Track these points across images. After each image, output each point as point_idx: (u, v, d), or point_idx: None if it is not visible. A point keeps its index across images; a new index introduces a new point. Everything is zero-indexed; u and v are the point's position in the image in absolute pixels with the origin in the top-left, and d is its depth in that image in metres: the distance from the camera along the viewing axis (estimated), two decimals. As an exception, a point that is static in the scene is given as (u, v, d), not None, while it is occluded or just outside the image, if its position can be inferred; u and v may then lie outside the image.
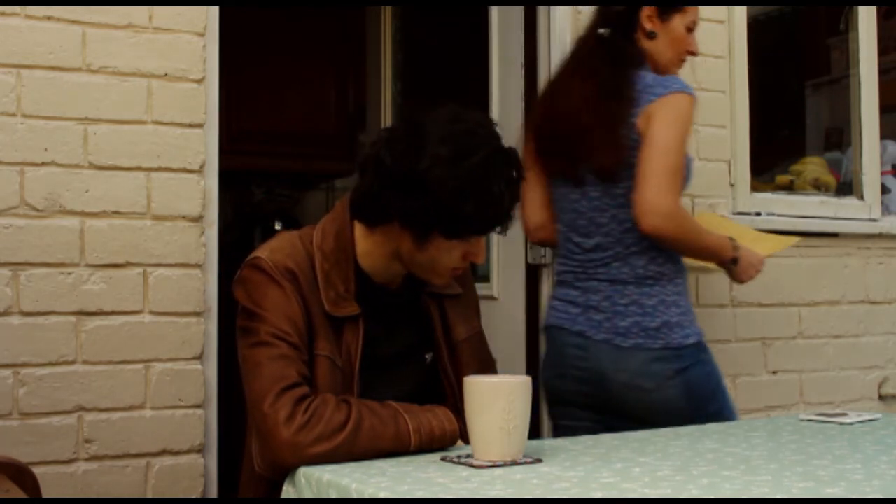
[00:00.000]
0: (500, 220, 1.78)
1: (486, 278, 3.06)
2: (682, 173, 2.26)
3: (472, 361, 1.94)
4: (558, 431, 2.38)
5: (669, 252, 2.30)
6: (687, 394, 2.25)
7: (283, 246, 1.80)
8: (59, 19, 2.28)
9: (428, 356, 1.93)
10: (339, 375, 1.76)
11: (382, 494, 1.39)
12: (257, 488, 1.79)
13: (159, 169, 2.37)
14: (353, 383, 1.78)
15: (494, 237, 3.07)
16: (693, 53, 2.47)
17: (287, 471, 1.64)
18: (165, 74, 2.38)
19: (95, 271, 2.29)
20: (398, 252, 1.81)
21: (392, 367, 1.88)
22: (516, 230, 2.96)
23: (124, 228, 2.32)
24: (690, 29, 2.42)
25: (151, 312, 2.34)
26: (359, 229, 1.84)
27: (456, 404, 1.77)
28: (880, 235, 3.48)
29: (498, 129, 1.81)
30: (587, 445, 1.72)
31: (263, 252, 1.79)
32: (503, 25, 3.10)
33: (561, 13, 2.94)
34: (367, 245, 1.83)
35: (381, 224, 1.80)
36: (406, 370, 1.90)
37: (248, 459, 1.82)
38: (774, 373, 3.21)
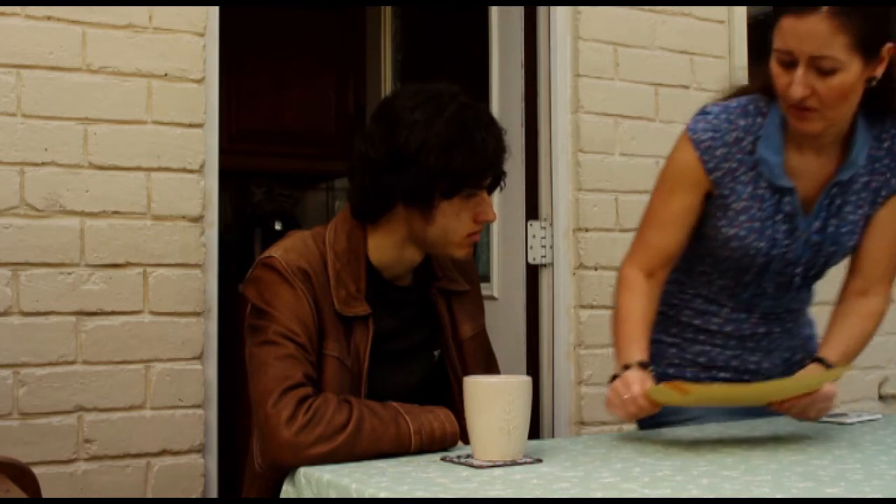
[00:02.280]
0: (490, 166, 1.80)
1: (486, 278, 3.06)
2: (643, 232, 2.00)
3: (479, 358, 1.97)
4: None
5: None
6: None
7: (296, 246, 1.81)
8: (59, 19, 2.28)
9: (436, 353, 1.94)
10: (348, 375, 1.77)
11: (382, 494, 1.39)
12: (261, 487, 1.79)
13: (159, 169, 2.37)
14: (361, 383, 1.79)
15: (496, 238, 3.07)
16: (800, 102, 1.79)
17: (287, 470, 1.64)
18: (165, 74, 2.38)
19: (95, 271, 2.29)
20: (411, 235, 1.83)
21: (400, 362, 1.89)
22: (516, 229, 2.98)
23: (124, 228, 2.33)
24: (783, 62, 1.79)
25: (151, 312, 2.34)
26: (371, 227, 1.86)
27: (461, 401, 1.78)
28: (880, 235, 3.47)
29: (459, 88, 1.84)
30: (587, 445, 1.72)
31: (276, 251, 1.79)
32: (503, 25, 3.10)
33: (561, 13, 2.94)
34: (377, 239, 1.85)
35: (386, 214, 1.82)
36: (414, 366, 1.91)
37: (252, 458, 1.83)
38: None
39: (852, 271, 2.02)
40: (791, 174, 1.90)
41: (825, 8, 1.70)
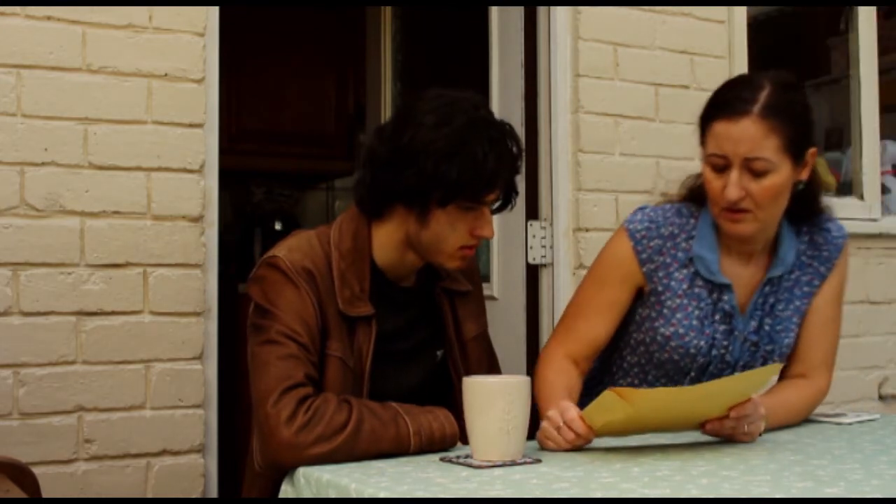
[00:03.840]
0: (487, 183, 1.77)
1: (486, 278, 3.06)
2: (571, 321, 2.01)
3: (482, 359, 1.98)
4: None
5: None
6: None
7: (300, 245, 1.81)
8: (59, 19, 2.28)
9: (439, 353, 1.94)
10: (350, 375, 1.78)
11: (382, 494, 1.39)
12: (261, 487, 1.80)
13: (159, 169, 2.37)
14: (363, 383, 1.80)
15: (496, 238, 3.07)
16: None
17: (286, 470, 1.64)
18: (165, 74, 2.38)
19: (95, 271, 2.29)
20: (408, 237, 1.83)
21: (403, 362, 1.89)
22: (516, 230, 2.98)
23: (124, 228, 2.32)
24: (716, 166, 1.87)
25: (151, 312, 2.34)
26: (374, 225, 1.86)
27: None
28: (880, 235, 3.48)
29: (483, 102, 1.84)
30: (587, 445, 1.72)
31: (281, 251, 1.79)
32: (503, 25, 3.10)
33: (561, 13, 2.94)
34: (380, 238, 1.85)
35: (386, 210, 1.82)
36: (416, 366, 1.92)
37: (252, 458, 1.83)
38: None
39: (791, 359, 2.01)
40: (725, 275, 1.95)
41: (756, 111, 1.80)
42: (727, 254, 1.96)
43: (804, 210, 1.98)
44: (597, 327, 1.98)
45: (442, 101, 1.79)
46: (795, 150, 1.84)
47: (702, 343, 1.93)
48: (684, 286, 1.94)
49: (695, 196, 1.98)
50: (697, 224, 1.96)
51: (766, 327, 1.96)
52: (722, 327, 1.94)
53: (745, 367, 1.96)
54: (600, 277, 2.00)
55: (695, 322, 1.93)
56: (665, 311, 1.95)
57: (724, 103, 1.86)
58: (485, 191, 1.78)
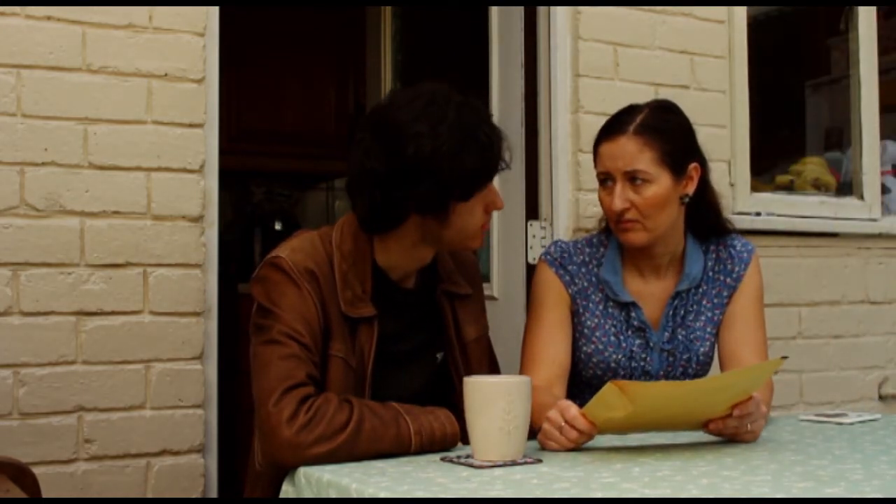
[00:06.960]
0: (499, 160, 1.83)
1: (486, 278, 3.06)
2: (528, 355, 2.09)
3: (483, 361, 1.98)
4: None
5: None
6: None
7: (303, 246, 1.81)
8: (59, 19, 2.28)
9: (439, 355, 1.95)
10: (352, 376, 1.78)
11: (382, 494, 1.39)
12: (263, 487, 1.80)
13: (159, 169, 2.37)
14: (365, 384, 1.80)
15: (496, 238, 3.07)
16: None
17: (287, 469, 1.64)
18: (165, 74, 2.38)
19: (95, 271, 2.29)
20: (425, 238, 1.84)
21: (403, 364, 1.89)
22: (516, 229, 2.98)
23: (124, 228, 2.32)
24: (603, 183, 2.06)
25: (151, 312, 2.34)
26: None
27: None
28: (880, 235, 3.48)
29: (444, 85, 1.85)
30: (587, 445, 1.72)
31: (284, 251, 1.79)
32: (503, 25, 3.10)
33: (561, 13, 2.94)
34: (385, 242, 1.85)
35: (400, 224, 1.82)
36: (416, 368, 1.92)
37: (253, 457, 1.83)
38: (774, 373, 3.21)
39: (729, 362, 2.10)
40: (635, 295, 2.09)
41: (631, 129, 2.00)
42: (637, 273, 2.12)
43: (707, 227, 2.14)
44: (555, 346, 2.07)
45: (421, 102, 1.78)
46: (673, 164, 2.00)
47: (620, 356, 2.07)
48: (600, 307, 2.10)
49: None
50: (606, 252, 2.12)
51: (680, 337, 2.09)
52: (637, 341, 2.08)
53: (666, 376, 2.09)
54: (539, 307, 2.11)
55: (612, 338, 2.08)
56: (586, 330, 2.09)
57: (607, 128, 2.07)
58: (497, 168, 1.83)
